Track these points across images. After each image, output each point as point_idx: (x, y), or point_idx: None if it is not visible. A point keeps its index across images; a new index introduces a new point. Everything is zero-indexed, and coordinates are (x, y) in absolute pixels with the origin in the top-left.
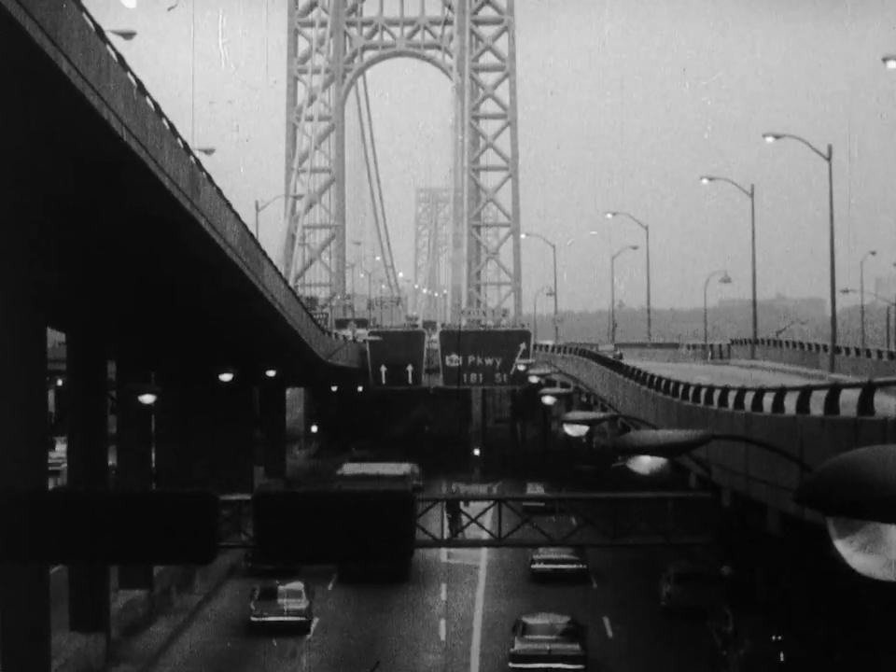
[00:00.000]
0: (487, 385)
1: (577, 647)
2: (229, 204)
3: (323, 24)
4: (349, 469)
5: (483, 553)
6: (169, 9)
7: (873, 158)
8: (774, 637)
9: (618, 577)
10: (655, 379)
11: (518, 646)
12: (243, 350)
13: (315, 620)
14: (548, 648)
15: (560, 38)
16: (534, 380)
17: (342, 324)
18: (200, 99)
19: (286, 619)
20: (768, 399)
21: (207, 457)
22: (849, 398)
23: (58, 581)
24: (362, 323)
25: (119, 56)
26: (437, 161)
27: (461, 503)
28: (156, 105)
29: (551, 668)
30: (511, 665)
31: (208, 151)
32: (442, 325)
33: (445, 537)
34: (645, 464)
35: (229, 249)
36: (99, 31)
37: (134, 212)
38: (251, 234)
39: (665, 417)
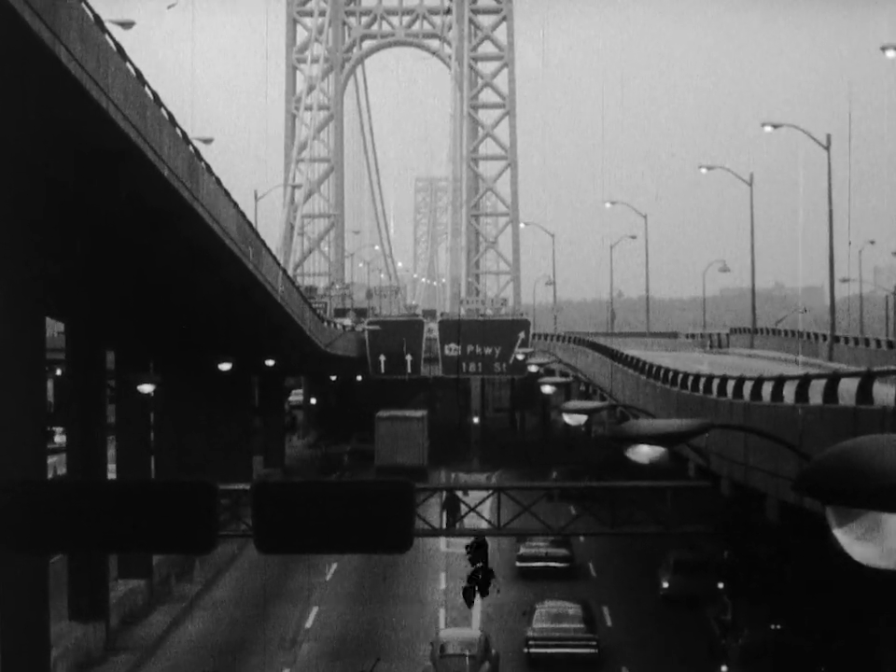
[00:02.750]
0: (486, 374)
1: (565, 551)
2: (227, 194)
3: (322, 13)
4: (384, 413)
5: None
6: (169, 7)
7: (872, 147)
8: (773, 626)
9: (617, 566)
10: (654, 368)
11: (522, 550)
12: (242, 339)
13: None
14: (545, 552)
15: (559, 28)
16: (533, 369)
17: (340, 313)
18: (198, 89)
19: None
20: (767, 388)
21: (206, 446)
22: (848, 387)
23: (57, 571)
24: (361, 312)
25: (118, 45)
26: (436, 150)
27: (460, 492)
28: (154, 94)
29: (547, 567)
30: (517, 564)
31: (207, 141)
32: (441, 314)
33: (444, 526)
34: (644, 453)
35: (228, 239)
36: (98, 20)
37: (133, 201)
38: (250, 224)
39: (664, 406)
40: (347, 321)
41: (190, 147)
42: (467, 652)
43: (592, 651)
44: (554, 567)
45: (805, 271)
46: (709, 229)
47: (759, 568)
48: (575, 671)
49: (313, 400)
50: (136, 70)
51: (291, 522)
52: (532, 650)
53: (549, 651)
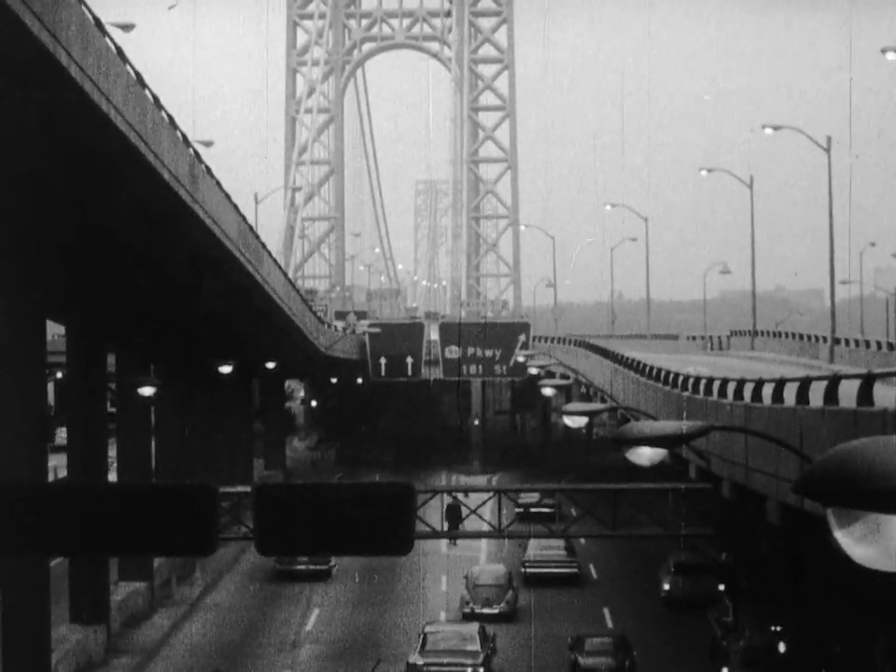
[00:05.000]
0: (487, 376)
1: (553, 500)
2: (228, 197)
3: (322, 16)
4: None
5: (483, 544)
6: (170, 8)
7: (872, 149)
8: (773, 628)
9: (618, 568)
10: (655, 370)
11: (520, 501)
12: (242, 342)
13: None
14: (536, 500)
15: (559, 30)
16: (533, 371)
17: (341, 316)
18: (198, 92)
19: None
20: (768, 390)
21: (207, 449)
22: (849, 389)
23: (58, 574)
24: (361, 315)
25: (119, 48)
26: (436, 152)
27: (461, 494)
28: (155, 97)
29: (540, 512)
30: (515, 510)
31: (207, 144)
32: (442, 316)
33: (444, 529)
34: (645, 455)
35: (228, 241)
36: (98, 23)
37: (134, 204)
38: (250, 226)
39: (665, 408)
40: (362, 322)
41: (191, 150)
42: (495, 583)
43: (573, 570)
44: (543, 513)
45: (805, 272)
46: (710, 231)
47: (760, 570)
48: (559, 585)
49: (313, 402)
50: (136, 73)
51: (292, 524)
52: (528, 570)
53: (540, 570)
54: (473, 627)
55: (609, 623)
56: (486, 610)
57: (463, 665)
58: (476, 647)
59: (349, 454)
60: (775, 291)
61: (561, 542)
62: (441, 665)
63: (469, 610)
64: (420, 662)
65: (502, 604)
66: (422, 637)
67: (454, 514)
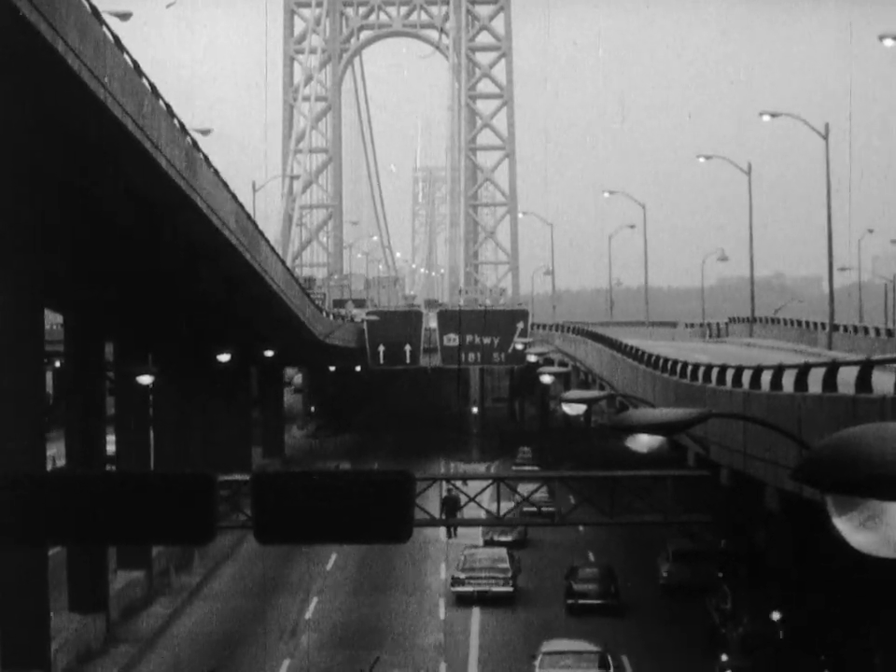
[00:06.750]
0: (485, 364)
1: (537, 468)
2: (226, 185)
3: (319, 4)
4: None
5: (482, 531)
6: (168, 6)
7: (870, 136)
8: (772, 615)
9: (616, 555)
10: (653, 357)
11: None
12: (241, 330)
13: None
14: (528, 467)
15: (557, 17)
16: (532, 359)
17: (339, 304)
18: (196, 80)
19: None
20: (766, 377)
21: (205, 438)
22: (847, 375)
23: (57, 563)
24: (360, 303)
25: (116, 37)
26: (434, 140)
27: (459, 482)
28: (152, 85)
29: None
30: (513, 468)
31: (205, 132)
32: (441, 304)
33: (443, 517)
34: (643, 442)
35: (226, 230)
36: (95, 12)
37: (131, 193)
38: (248, 215)
39: (663, 395)
40: (356, 311)
41: (188, 139)
42: None
43: (551, 509)
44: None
45: (804, 259)
46: (708, 218)
47: (758, 557)
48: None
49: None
50: (133, 61)
51: (291, 512)
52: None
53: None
54: (503, 551)
55: None
56: (503, 538)
57: (496, 578)
58: (506, 565)
59: (351, 439)
60: (773, 278)
61: (545, 487)
62: (480, 578)
63: (489, 538)
64: (462, 576)
65: (515, 533)
66: (463, 557)
67: (451, 506)
